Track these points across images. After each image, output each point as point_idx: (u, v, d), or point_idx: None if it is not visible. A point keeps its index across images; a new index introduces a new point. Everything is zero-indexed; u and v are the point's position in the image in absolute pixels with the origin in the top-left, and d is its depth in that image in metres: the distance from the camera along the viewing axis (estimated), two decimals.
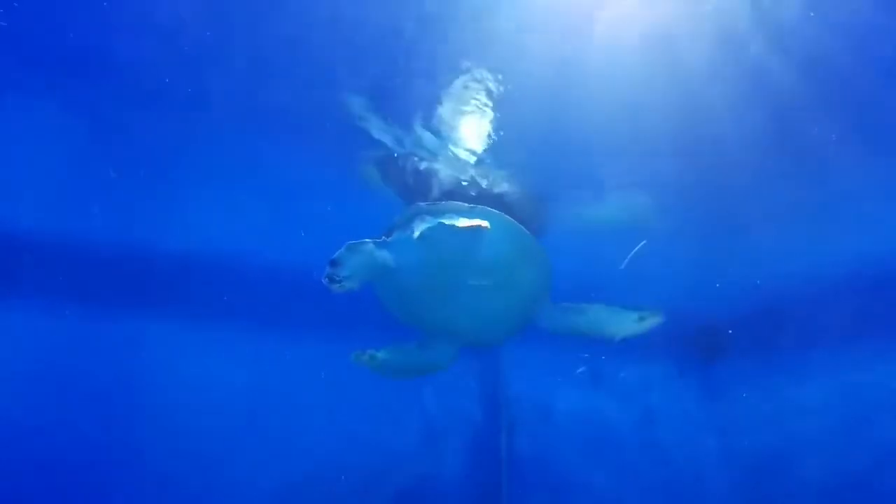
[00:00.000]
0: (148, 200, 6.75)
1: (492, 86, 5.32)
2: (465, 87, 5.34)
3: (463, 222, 4.41)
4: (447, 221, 4.46)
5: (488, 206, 5.25)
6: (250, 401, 7.42)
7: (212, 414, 7.23)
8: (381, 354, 5.32)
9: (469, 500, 7.86)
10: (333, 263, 4.41)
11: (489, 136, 5.85)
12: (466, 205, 4.78)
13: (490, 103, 5.51)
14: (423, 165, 6.23)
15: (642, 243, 4.76)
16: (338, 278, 4.40)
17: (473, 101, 5.50)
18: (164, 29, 5.16)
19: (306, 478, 7.33)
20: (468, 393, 8.10)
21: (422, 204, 4.91)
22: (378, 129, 5.85)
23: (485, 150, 6.07)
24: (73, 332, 6.92)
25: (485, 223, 4.40)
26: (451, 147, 6.00)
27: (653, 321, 5.40)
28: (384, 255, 4.70)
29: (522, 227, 5.10)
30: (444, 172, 6.34)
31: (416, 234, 4.52)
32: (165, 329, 7.29)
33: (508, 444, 7.96)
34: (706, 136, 6.06)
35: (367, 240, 4.54)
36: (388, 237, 4.77)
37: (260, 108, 5.87)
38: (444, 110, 5.59)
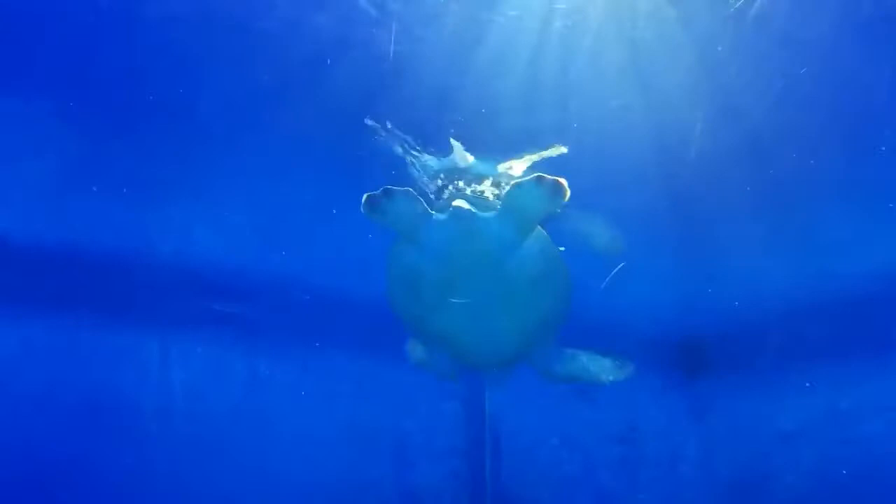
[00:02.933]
0: (135, 211, 6.74)
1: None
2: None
3: (547, 177, 4.17)
4: (523, 180, 4.21)
5: None
6: (233, 414, 7.42)
7: (192, 426, 7.23)
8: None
9: None
10: (387, 192, 4.24)
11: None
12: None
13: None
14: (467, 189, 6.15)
15: (621, 265, 4.81)
16: (377, 205, 4.27)
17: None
18: (155, 39, 5.23)
19: (285, 493, 7.33)
20: (451, 408, 8.13)
21: (468, 193, 4.74)
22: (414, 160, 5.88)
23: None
24: (54, 341, 6.89)
25: (564, 183, 4.17)
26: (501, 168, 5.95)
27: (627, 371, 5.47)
28: (422, 226, 4.49)
29: (559, 252, 4.96)
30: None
31: (459, 203, 4.31)
32: (148, 339, 7.29)
33: (492, 459, 7.99)
34: (685, 159, 6.16)
35: (423, 201, 4.35)
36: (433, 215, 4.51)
37: (254, 123, 5.93)
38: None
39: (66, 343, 6.98)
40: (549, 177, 4.13)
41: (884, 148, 5.79)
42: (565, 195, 4.17)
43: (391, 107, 5.44)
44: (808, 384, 7.68)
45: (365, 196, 4.24)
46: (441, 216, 4.44)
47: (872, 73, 5.39)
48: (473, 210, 4.33)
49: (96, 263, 6.99)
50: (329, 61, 5.08)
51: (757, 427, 8.03)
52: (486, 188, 5.94)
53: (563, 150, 5.60)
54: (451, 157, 5.76)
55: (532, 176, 4.14)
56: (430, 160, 5.87)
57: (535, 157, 5.75)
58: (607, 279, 4.76)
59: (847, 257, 7.16)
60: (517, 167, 5.80)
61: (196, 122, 5.90)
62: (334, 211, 6.75)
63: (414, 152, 5.76)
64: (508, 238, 4.52)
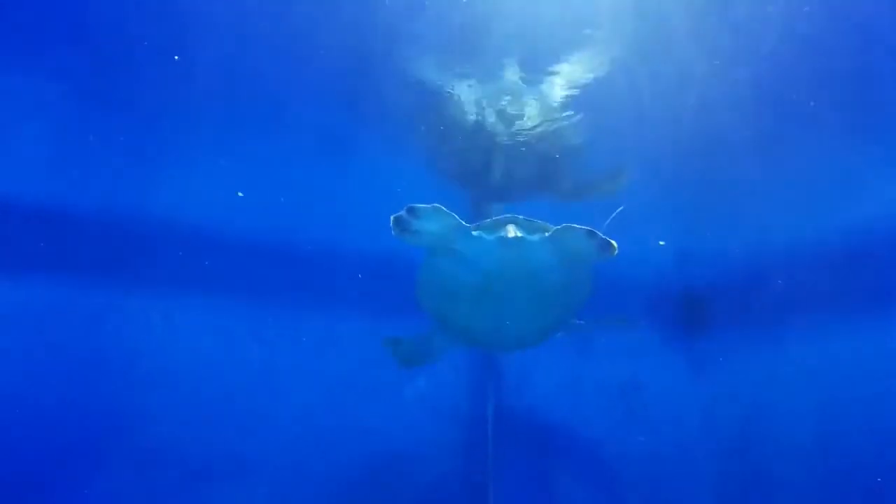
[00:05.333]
0: (132, 168, 6.72)
1: None
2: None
3: (598, 235, 4.27)
4: (574, 226, 4.27)
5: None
6: (235, 372, 7.46)
7: (195, 384, 7.27)
8: (405, 344, 5.58)
9: (455, 470, 7.97)
10: (411, 210, 4.23)
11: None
12: (552, 227, 4.58)
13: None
14: (510, 108, 6.12)
15: (620, 208, 4.83)
16: (407, 225, 4.27)
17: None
18: None
19: (288, 444, 7.41)
20: (453, 362, 8.17)
21: (519, 216, 4.71)
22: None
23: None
24: (55, 302, 6.91)
25: (615, 245, 4.30)
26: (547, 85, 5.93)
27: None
28: (460, 240, 4.53)
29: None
30: (529, 118, 6.25)
31: (511, 234, 4.38)
32: (148, 299, 7.31)
33: (495, 410, 8.06)
34: (690, 103, 6.11)
35: (455, 215, 4.34)
36: (473, 230, 4.54)
37: (248, 73, 5.86)
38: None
39: (65, 303, 7.00)
40: (601, 235, 4.22)
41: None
42: (613, 253, 4.27)
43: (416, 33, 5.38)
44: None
45: (392, 218, 4.27)
46: (488, 237, 4.48)
47: (874, 12, 5.31)
48: (522, 236, 4.41)
49: (93, 223, 7.00)
50: None
51: (758, 380, 8.07)
52: (528, 111, 6.00)
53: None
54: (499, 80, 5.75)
55: (584, 228, 4.23)
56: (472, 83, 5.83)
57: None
58: (606, 222, 4.79)
59: (849, 206, 7.12)
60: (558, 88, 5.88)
61: (192, 73, 5.86)
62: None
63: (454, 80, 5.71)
64: (552, 261, 4.64)
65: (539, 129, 6.36)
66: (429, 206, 4.22)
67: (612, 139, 6.74)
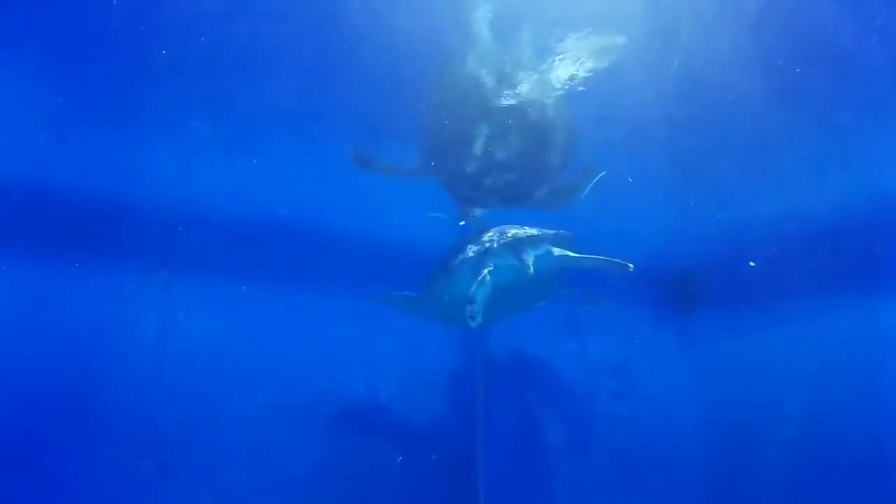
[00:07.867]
0: (118, 149, 6.70)
1: None
2: None
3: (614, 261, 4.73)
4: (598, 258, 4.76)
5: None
6: (225, 348, 7.43)
7: (182, 365, 7.26)
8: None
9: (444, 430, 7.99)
10: (471, 300, 4.73)
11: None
12: (551, 231, 5.07)
13: None
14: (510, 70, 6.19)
15: (602, 174, 4.87)
16: (475, 315, 4.73)
17: None
18: None
19: (272, 409, 7.39)
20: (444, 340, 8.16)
21: (514, 230, 5.13)
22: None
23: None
24: (42, 284, 6.87)
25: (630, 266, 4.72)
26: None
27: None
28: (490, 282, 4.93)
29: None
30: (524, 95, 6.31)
31: (531, 268, 4.84)
32: (135, 280, 7.29)
33: (484, 391, 8.05)
34: (680, 82, 6.10)
35: (485, 272, 4.83)
36: (488, 271, 4.95)
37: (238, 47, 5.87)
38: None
39: (62, 286, 6.98)
40: (617, 261, 4.69)
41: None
42: (628, 269, 4.73)
43: None
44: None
45: (471, 323, 4.72)
46: (502, 264, 4.94)
47: None
48: (535, 257, 4.85)
49: (90, 205, 6.99)
50: None
51: (748, 357, 8.06)
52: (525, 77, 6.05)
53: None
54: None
55: (601, 258, 4.77)
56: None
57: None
58: (588, 187, 4.82)
59: (838, 184, 7.10)
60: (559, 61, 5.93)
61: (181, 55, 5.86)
62: None
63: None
64: (558, 265, 5.09)
65: (534, 99, 6.33)
66: (473, 287, 4.71)
67: (603, 117, 6.71)
